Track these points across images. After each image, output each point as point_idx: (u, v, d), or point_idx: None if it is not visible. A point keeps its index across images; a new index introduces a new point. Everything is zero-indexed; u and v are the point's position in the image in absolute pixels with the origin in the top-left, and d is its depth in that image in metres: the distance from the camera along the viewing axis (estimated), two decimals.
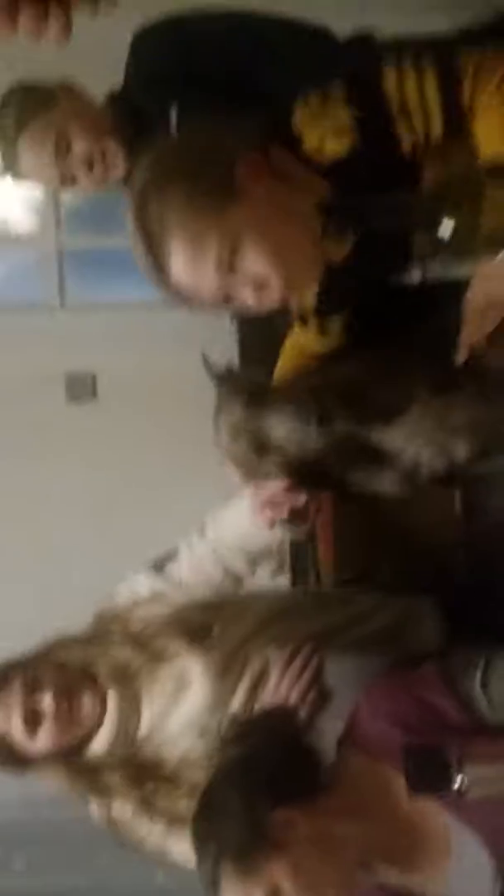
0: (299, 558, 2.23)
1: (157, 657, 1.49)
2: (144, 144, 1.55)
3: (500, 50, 1.03)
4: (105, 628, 1.56)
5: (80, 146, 1.53)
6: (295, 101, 1.08)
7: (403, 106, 1.03)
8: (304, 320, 1.37)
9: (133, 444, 2.59)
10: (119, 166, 1.57)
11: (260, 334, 1.56)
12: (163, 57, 1.54)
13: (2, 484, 2.62)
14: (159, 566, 1.63)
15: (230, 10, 1.52)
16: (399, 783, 1.14)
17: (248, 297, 1.08)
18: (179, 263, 1.06)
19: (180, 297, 1.11)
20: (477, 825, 1.11)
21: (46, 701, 1.42)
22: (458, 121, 1.01)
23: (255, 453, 1.21)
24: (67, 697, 1.44)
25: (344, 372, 1.34)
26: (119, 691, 1.46)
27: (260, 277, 1.06)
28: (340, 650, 1.49)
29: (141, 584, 1.63)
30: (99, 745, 1.47)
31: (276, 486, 1.37)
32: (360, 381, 1.30)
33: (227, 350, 2.03)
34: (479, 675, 1.21)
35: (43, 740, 1.43)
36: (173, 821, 1.41)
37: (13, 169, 1.56)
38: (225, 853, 1.08)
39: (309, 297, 1.23)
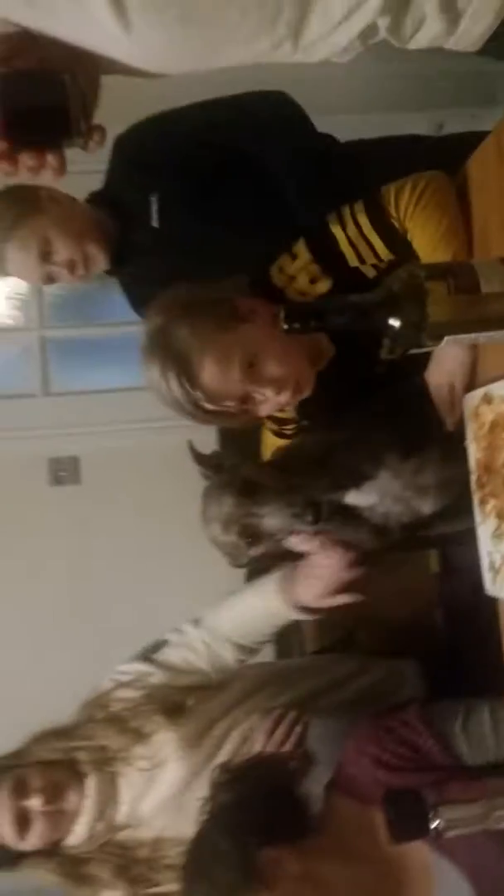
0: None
1: (134, 737, 1.53)
2: (127, 240, 1.69)
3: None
4: (88, 715, 1.60)
5: (62, 252, 1.65)
6: (270, 267, 1.31)
7: (357, 252, 1.26)
8: (279, 423, 1.51)
9: (117, 525, 2.65)
10: (99, 265, 1.70)
11: None
12: (144, 146, 1.66)
13: None
14: (146, 656, 1.67)
15: (215, 98, 1.61)
16: (382, 824, 1.20)
17: (269, 398, 1.28)
18: (211, 373, 1.24)
19: (205, 416, 1.29)
20: (459, 860, 1.16)
21: (34, 803, 1.47)
22: (401, 243, 1.22)
23: (247, 543, 1.30)
24: (54, 797, 1.49)
25: (317, 441, 1.45)
26: (97, 776, 1.51)
27: (279, 380, 1.26)
28: (324, 714, 1.55)
29: (125, 670, 1.66)
30: (79, 829, 1.50)
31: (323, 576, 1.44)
32: (331, 448, 1.40)
33: (207, 430, 2.13)
34: (460, 720, 1.29)
35: (33, 839, 1.48)
36: None
37: (1, 267, 1.69)
38: (214, 892, 1.11)
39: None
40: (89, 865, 1.48)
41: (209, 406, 1.26)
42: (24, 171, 0.99)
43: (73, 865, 1.49)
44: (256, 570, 2.24)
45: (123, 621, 2.59)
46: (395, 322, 0.84)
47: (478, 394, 1.16)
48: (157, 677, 1.61)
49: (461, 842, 1.15)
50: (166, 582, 2.57)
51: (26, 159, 0.98)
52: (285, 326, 0.84)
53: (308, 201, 1.49)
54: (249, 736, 1.52)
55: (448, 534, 1.54)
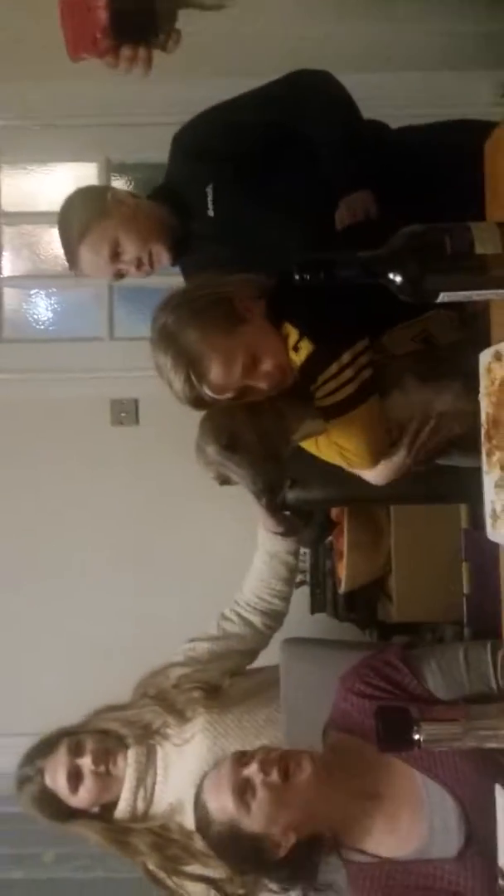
0: (317, 571, 2.41)
1: (174, 715, 1.76)
2: (188, 230, 1.79)
3: None
4: (142, 692, 1.84)
5: (129, 252, 1.79)
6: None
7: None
8: None
9: (170, 465, 2.78)
10: (164, 261, 1.83)
11: None
12: (198, 137, 1.76)
13: (50, 499, 2.85)
14: (195, 638, 1.92)
15: (266, 84, 1.71)
16: (372, 751, 1.33)
17: (264, 390, 1.43)
18: (217, 374, 1.38)
19: (202, 406, 1.44)
20: (441, 778, 1.29)
21: (86, 762, 1.70)
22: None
23: (219, 481, 1.49)
24: (104, 760, 1.72)
25: None
26: (137, 748, 1.73)
27: (272, 373, 1.41)
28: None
29: (176, 652, 1.90)
30: (125, 796, 1.72)
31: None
32: None
33: None
34: (435, 659, 1.44)
35: (83, 795, 1.72)
36: (191, 877, 1.65)
37: (75, 267, 1.83)
38: None
39: None
40: (131, 835, 1.71)
41: (211, 398, 1.41)
42: (124, 64, 1.30)
43: (117, 832, 1.72)
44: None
45: (167, 558, 2.76)
46: (396, 277, 0.93)
47: (490, 351, 1.23)
48: (200, 648, 1.87)
49: (445, 767, 1.28)
50: (212, 523, 2.71)
51: (125, 51, 1.29)
52: (297, 277, 0.93)
53: (341, 186, 1.58)
54: (263, 727, 1.75)
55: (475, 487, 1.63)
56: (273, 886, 1.45)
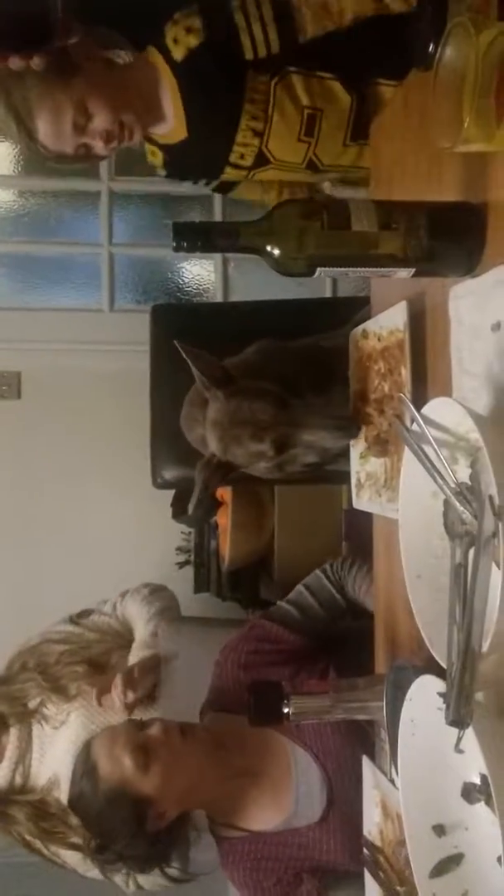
0: (202, 550, 2.41)
1: (59, 691, 1.74)
2: None
3: None
4: (20, 665, 1.80)
5: None
6: (166, 24, 1.34)
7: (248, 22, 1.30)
8: None
9: (53, 440, 2.71)
10: None
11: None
12: None
13: None
14: (74, 620, 1.90)
15: None
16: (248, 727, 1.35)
17: (101, 149, 1.35)
18: (45, 132, 1.32)
19: (49, 155, 1.36)
20: (308, 744, 1.33)
21: None
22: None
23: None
24: None
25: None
26: (19, 727, 1.71)
27: (108, 131, 1.33)
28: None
29: (56, 630, 1.87)
30: (1, 776, 1.70)
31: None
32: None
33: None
34: (287, 602, 1.53)
35: None
36: (67, 846, 1.64)
37: None
38: None
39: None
40: (11, 807, 1.70)
41: (51, 152, 1.36)
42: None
43: None
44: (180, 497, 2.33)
45: (49, 534, 2.69)
46: (274, 251, 0.92)
47: (358, 330, 1.25)
48: (85, 637, 1.85)
49: (312, 734, 1.32)
50: (94, 499, 2.66)
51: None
52: (174, 244, 0.90)
53: None
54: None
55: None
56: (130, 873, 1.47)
